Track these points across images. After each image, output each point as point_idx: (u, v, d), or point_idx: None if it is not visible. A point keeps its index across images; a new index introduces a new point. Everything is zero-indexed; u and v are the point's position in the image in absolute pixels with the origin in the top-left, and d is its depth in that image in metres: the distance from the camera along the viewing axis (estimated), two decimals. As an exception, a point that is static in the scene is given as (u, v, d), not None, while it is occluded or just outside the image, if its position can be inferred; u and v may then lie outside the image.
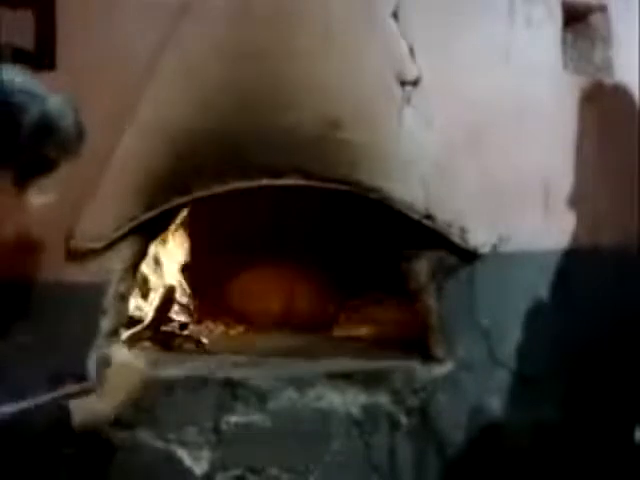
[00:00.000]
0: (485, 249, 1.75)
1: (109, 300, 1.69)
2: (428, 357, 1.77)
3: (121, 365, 1.49)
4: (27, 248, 1.61)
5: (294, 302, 2.32)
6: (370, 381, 1.70)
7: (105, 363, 1.53)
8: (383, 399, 1.69)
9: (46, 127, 1.14)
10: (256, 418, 1.65)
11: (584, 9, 1.96)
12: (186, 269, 2.34)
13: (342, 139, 1.67)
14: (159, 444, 1.64)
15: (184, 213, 2.03)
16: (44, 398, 1.28)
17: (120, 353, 1.62)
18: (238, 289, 2.37)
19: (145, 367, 1.51)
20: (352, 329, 2.13)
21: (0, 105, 1.11)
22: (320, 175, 1.69)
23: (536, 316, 1.80)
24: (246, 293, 2.32)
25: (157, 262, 2.21)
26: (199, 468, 1.64)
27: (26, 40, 1.72)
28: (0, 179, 1.14)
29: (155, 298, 2.08)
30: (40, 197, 1.19)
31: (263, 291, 2.34)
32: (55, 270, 1.66)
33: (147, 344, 1.96)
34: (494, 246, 1.76)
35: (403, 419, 1.70)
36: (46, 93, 1.16)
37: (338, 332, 2.16)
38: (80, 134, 1.22)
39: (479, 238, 1.74)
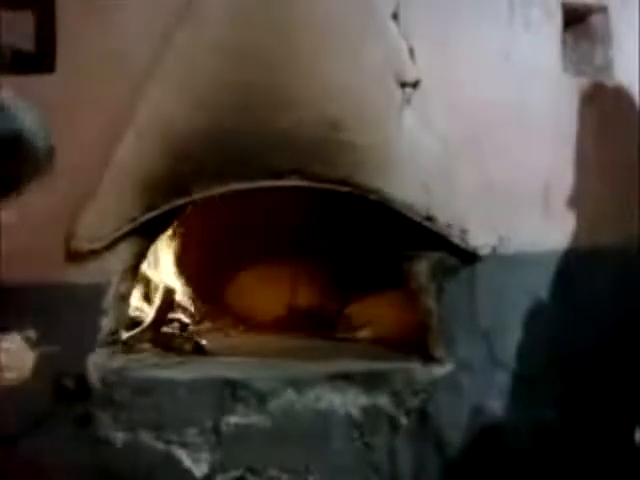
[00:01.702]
0: (485, 250, 1.75)
1: (109, 301, 1.70)
2: (428, 358, 1.78)
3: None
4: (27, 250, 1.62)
5: (294, 303, 2.32)
6: (370, 382, 1.70)
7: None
8: (383, 400, 1.69)
9: (17, 146, 1.10)
10: (256, 419, 1.65)
11: (584, 10, 1.96)
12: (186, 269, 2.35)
13: (342, 140, 1.67)
14: (159, 445, 1.65)
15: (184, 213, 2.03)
16: None
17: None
18: (238, 289, 2.37)
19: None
20: (352, 330, 2.13)
21: None
22: (320, 176, 1.69)
23: (536, 316, 1.80)
24: (246, 293, 2.32)
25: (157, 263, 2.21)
26: (199, 469, 1.64)
27: (26, 41, 1.72)
28: None
29: (156, 299, 2.08)
30: (10, 216, 1.17)
31: (263, 291, 2.34)
32: (55, 271, 1.66)
33: (147, 345, 1.96)
34: (494, 247, 1.76)
35: (403, 420, 1.70)
36: (19, 110, 1.12)
37: (338, 333, 2.15)
38: (50, 153, 1.17)
39: (479, 239, 1.74)
